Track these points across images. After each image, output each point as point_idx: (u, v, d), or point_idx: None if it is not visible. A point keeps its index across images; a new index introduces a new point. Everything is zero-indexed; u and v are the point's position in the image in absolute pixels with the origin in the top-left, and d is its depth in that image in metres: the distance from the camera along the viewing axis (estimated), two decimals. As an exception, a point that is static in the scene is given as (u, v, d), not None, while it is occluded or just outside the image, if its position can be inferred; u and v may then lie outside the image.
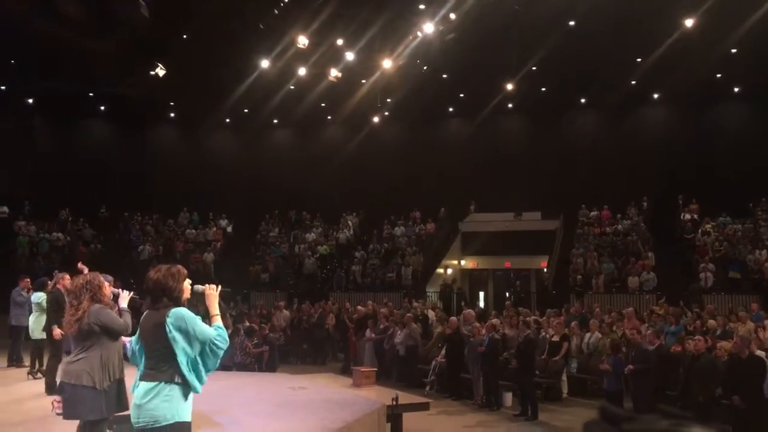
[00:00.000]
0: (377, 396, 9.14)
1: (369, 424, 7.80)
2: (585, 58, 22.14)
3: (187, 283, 4.23)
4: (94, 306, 5.25)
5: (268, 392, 9.33)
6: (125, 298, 5.71)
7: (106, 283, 5.58)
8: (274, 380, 11.13)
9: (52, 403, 7.88)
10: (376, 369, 11.73)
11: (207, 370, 4.08)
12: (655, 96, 26.72)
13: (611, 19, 19.72)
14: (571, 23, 20.39)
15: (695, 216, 23.68)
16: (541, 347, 13.50)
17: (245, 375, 12.07)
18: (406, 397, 9.25)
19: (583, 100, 27.66)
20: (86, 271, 7.85)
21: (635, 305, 18.36)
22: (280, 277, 25.22)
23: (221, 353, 4.10)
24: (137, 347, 4.19)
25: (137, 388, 4.04)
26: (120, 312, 5.51)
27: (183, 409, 3.99)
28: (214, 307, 4.22)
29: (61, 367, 5.47)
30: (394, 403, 8.52)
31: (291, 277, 25.29)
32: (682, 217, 23.92)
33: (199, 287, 4.28)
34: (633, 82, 24.46)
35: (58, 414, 7.61)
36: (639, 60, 22.68)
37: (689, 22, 18.53)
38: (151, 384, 3.97)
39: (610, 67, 23.03)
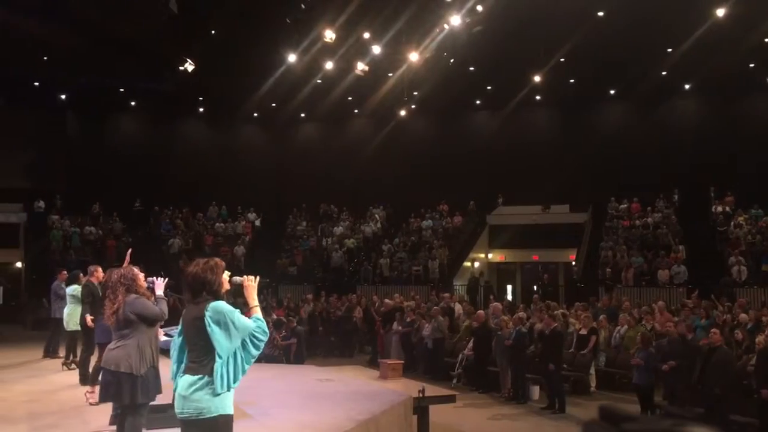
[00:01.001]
0: (404, 388, 9.19)
1: (395, 416, 7.85)
2: (614, 48, 21.86)
3: (226, 275, 4.25)
4: (129, 297, 5.48)
5: (296, 384, 9.43)
6: (161, 286, 5.91)
7: (141, 275, 5.75)
8: (301, 372, 11.24)
9: (85, 393, 8.09)
10: (402, 362, 11.76)
11: (248, 363, 4.10)
12: (686, 87, 26.30)
13: (641, 9, 19.45)
14: (600, 13, 20.15)
15: (728, 208, 23.32)
16: (568, 341, 13.44)
17: (273, 367, 12.19)
18: (432, 390, 9.27)
19: (612, 92, 27.33)
20: (127, 263, 8.07)
21: (665, 299, 18.18)
22: (308, 270, 25.40)
23: (262, 345, 4.12)
24: (179, 340, 4.24)
25: (180, 380, 4.11)
26: (156, 300, 5.70)
27: (226, 403, 4.04)
28: (253, 299, 4.23)
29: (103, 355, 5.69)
30: (421, 395, 8.55)
31: (318, 270, 25.45)
32: (713, 210, 23.57)
33: (237, 279, 4.30)
34: (663, 73, 24.09)
35: (90, 404, 7.83)
36: (669, 50, 22.33)
37: (721, 12, 18.19)
38: (195, 377, 4.03)
39: (640, 57, 22.73)
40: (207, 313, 4.01)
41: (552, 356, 11.50)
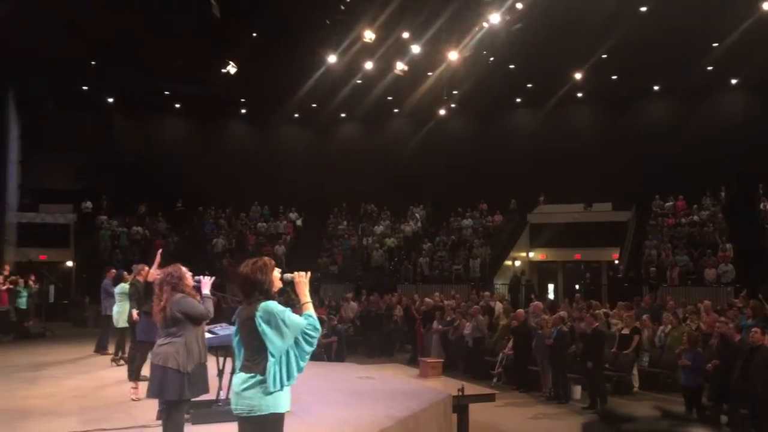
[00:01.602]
0: (443, 387, 9.22)
1: (435, 414, 7.90)
2: (657, 44, 21.47)
3: (277, 272, 4.29)
4: (176, 296, 5.58)
5: (336, 382, 9.54)
6: (207, 285, 6.04)
7: (188, 273, 5.89)
8: (342, 370, 11.35)
9: (130, 389, 8.34)
10: (442, 360, 11.80)
11: (303, 360, 4.13)
12: (733, 82, 25.69)
13: (684, 3, 19.07)
14: (643, 9, 19.82)
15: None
16: (610, 340, 13.30)
17: (314, 365, 12.25)
18: (472, 389, 9.29)
19: (656, 88, 26.84)
20: (158, 262, 8.32)
21: (712, 298, 17.80)
22: (349, 270, 25.56)
23: (314, 341, 4.14)
24: (236, 339, 4.31)
25: (236, 377, 4.21)
26: (202, 299, 5.83)
27: (278, 401, 4.07)
28: (305, 295, 4.26)
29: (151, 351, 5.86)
30: (460, 393, 8.58)
31: (359, 270, 25.60)
32: (761, 207, 22.99)
33: (288, 276, 4.33)
34: (709, 68, 23.57)
35: (133, 399, 8.07)
36: (715, 45, 21.85)
37: (766, 5, 17.73)
38: (248, 375, 4.09)
39: (684, 52, 22.26)
40: (257, 314, 4.05)
41: (593, 356, 11.39)
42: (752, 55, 21.43)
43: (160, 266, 9.01)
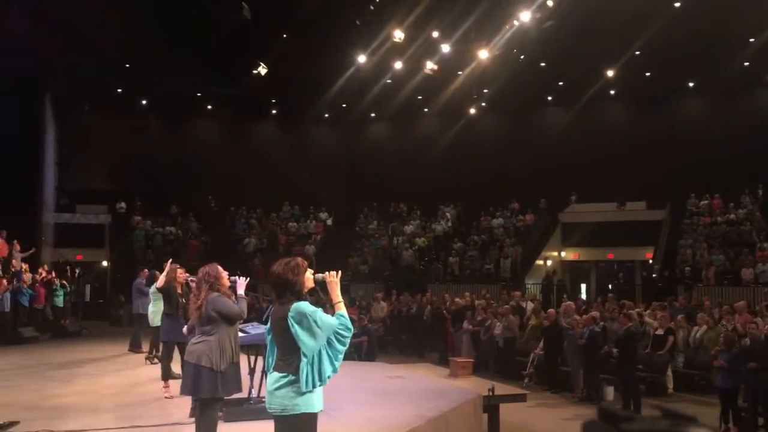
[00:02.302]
0: (474, 386, 9.19)
1: (465, 414, 7.87)
2: (692, 39, 21.08)
3: (309, 273, 4.32)
4: (212, 294, 5.66)
5: (366, 381, 9.56)
6: (242, 285, 6.12)
7: (225, 273, 5.97)
8: (372, 369, 11.38)
9: (162, 387, 8.46)
10: (473, 360, 11.76)
11: (336, 359, 4.14)
12: (771, 77, 25.15)
13: (720, -2, 18.75)
14: (677, 4, 19.51)
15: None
16: (644, 341, 13.12)
17: (345, 364, 12.25)
18: (503, 389, 9.25)
19: (690, 84, 26.36)
20: (168, 264, 8.46)
21: (749, 298, 17.47)
22: (379, 269, 25.60)
23: (347, 341, 4.16)
24: (269, 338, 4.35)
25: (270, 376, 4.24)
26: (237, 299, 5.90)
27: (311, 401, 4.08)
28: (336, 295, 4.28)
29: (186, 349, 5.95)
30: (491, 393, 8.54)
31: (389, 269, 25.61)
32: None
33: (319, 276, 4.35)
34: (746, 64, 23.11)
35: (165, 397, 8.19)
36: (752, 40, 21.42)
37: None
38: (280, 374, 4.13)
39: (720, 48, 21.84)
40: (290, 314, 4.08)
41: (626, 356, 11.26)
42: (790, 50, 20.97)
43: (194, 266, 9.16)
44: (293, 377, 4.06)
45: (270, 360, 4.32)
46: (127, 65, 24.34)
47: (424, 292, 20.58)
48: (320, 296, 4.36)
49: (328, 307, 4.25)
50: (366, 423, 6.88)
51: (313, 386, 4.06)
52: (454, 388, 8.90)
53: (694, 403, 11.82)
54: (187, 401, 6.81)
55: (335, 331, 4.09)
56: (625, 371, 11.27)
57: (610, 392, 12.01)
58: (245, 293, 6.18)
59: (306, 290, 4.28)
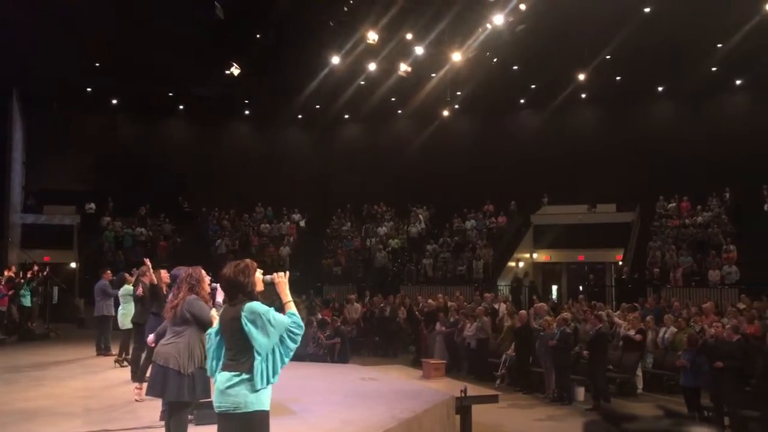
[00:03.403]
0: (446, 388, 9.23)
1: (438, 415, 7.90)
2: (662, 44, 21.44)
3: (259, 274, 4.39)
4: (190, 296, 5.68)
5: (339, 382, 9.55)
6: (221, 293, 6.05)
7: (207, 278, 5.94)
8: (345, 371, 11.36)
9: (135, 390, 8.36)
10: (445, 361, 11.81)
11: (287, 356, 4.24)
12: (737, 82, 25.65)
13: (688, 4, 19.05)
14: (647, 9, 19.80)
15: (781, 206, 22.67)
16: (614, 341, 13.29)
17: (318, 366, 12.36)
18: (475, 390, 9.31)
19: (660, 88, 26.79)
20: (147, 264, 8.38)
21: (716, 300, 17.79)
22: (352, 271, 25.58)
23: (298, 338, 4.25)
24: (217, 339, 4.39)
25: (219, 375, 4.26)
26: (215, 305, 5.87)
27: (263, 399, 4.17)
28: (286, 294, 4.37)
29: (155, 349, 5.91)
30: (463, 395, 8.59)
31: (362, 271, 25.61)
32: (766, 208, 22.93)
33: (267, 277, 4.43)
34: (713, 69, 23.54)
35: (137, 400, 8.09)
36: (719, 45, 21.82)
37: (770, 6, 17.73)
38: (233, 373, 4.18)
39: (688, 53, 22.23)
40: (243, 314, 4.15)
41: (597, 357, 11.39)
42: (756, 56, 21.39)
43: (163, 267, 9.09)
44: (247, 375, 4.13)
45: (214, 363, 4.35)
46: (97, 64, 24.00)
47: (398, 294, 20.61)
48: (273, 301, 4.38)
49: (278, 309, 4.28)
50: (339, 425, 6.87)
51: (267, 383, 4.16)
52: (427, 390, 8.93)
53: (662, 403, 11.98)
54: (157, 405, 6.74)
55: (288, 329, 4.19)
56: (595, 372, 11.40)
57: (580, 393, 12.15)
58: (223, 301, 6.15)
59: (257, 291, 4.35)
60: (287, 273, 4.47)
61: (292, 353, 4.27)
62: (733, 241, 21.57)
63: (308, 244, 27.89)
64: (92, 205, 27.40)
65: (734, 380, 9.66)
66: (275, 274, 4.43)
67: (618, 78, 25.34)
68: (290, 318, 4.23)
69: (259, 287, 4.37)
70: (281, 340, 4.19)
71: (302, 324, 4.31)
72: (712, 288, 19.93)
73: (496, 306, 17.36)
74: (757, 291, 17.93)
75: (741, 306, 15.28)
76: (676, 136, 25.80)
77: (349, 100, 26.85)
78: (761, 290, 17.98)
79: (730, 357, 9.85)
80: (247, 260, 4.49)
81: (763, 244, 21.78)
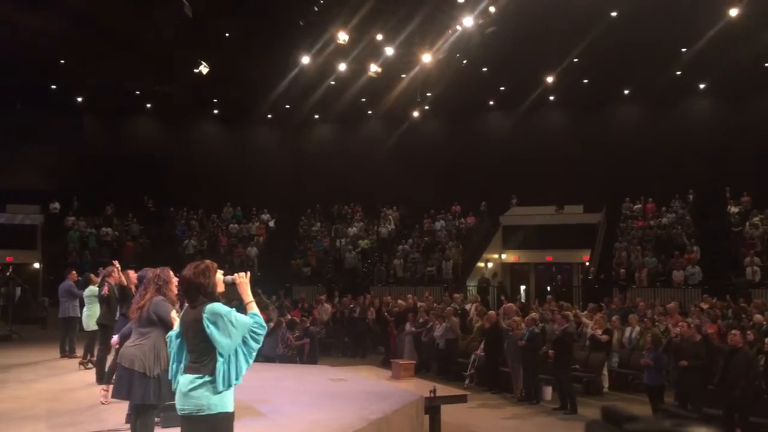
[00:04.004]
0: (416, 388, 9.25)
1: (407, 416, 7.92)
2: (628, 48, 21.79)
3: (220, 275, 4.35)
4: (157, 297, 5.61)
5: (309, 383, 9.51)
6: None
7: (175, 280, 5.87)
8: (314, 372, 11.32)
9: (101, 391, 8.23)
10: (414, 362, 11.83)
11: (250, 357, 4.20)
12: (701, 86, 26.16)
13: (654, 9, 19.39)
14: (613, 13, 20.10)
15: (743, 208, 23.16)
16: (580, 341, 13.45)
17: (287, 367, 12.30)
18: (444, 390, 9.34)
19: (626, 92, 27.23)
20: (116, 265, 8.24)
21: (680, 299, 18.11)
22: (322, 271, 25.50)
23: (261, 338, 4.23)
24: (178, 341, 4.36)
25: (181, 378, 4.22)
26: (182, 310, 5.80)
27: (226, 400, 4.14)
28: (247, 295, 4.34)
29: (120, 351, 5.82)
30: (432, 395, 8.62)
31: (332, 271, 25.55)
32: (728, 210, 23.42)
33: (228, 278, 4.40)
34: (678, 73, 23.98)
35: (102, 402, 7.97)
36: (684, 50, 22.24)
37: (734, 12, 18.10)
38: (195, 375, 4.14)
39: (654, 57, 22.63)
40: (204, 316, 4.11)
41: (562, 356, 11.52)
42: (720, 61, 21.85)
43: (130, 267, 8.96)
44: (209, 378, 4.10)
45: (175, 366, 4.32)
46: (62, 61, 23.59)
47: (367, 294, 20.60)
48: (230, 302, 4.35)
49: (241, 309, 4.25)
50: (308, 425, 6.85)
51: (230, 385, 4.13)
52: (396, 390, 8.94)
53: (628, 402, 12.16)
54: (122, 407, 6.65)
55: (250, 329, 4.16)
56: (560, 371, 11.53)
57: (548, 392, 12.27)
58: None
59: (219, 292, 4.32)
60: (248, 273, 4.44)
61: (255, 354, 4.24)
62: (697, 242, 21.99)
63: (277, 245, 27.75)
64: (57, 205, 26.92)
65: (698, 379, 9.83)
66: (236, 274, 4.39)
67: (585, 81, 25.71)
68: (252, 318, 4.20)
69: (220, 288, 4.34)
70: (244, 341, 4.16)
71: (264, 324, 4.28)
72: (676, 288, 20.28)
73: (467, 307, 17.44)
74: (719, 291, 18.34)
75: (704, 305, 15.56)
76: (642, 139, 26.24)
77: (319, 100, 26.80)
78: (723, 290, 18.39)
79: (694, 356, 10.03)
80: (207, 261, 4.44)
81: (724, 245, 22.29)
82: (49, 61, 23.22)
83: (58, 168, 27.13)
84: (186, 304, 5.77)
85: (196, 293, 4.25)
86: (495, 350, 13.07)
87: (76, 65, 23.47)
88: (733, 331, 9.76)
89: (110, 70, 23.52)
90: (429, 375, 13.47)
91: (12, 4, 18.21)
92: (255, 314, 4.25)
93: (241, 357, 4.16)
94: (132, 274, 8.63)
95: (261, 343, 4.26)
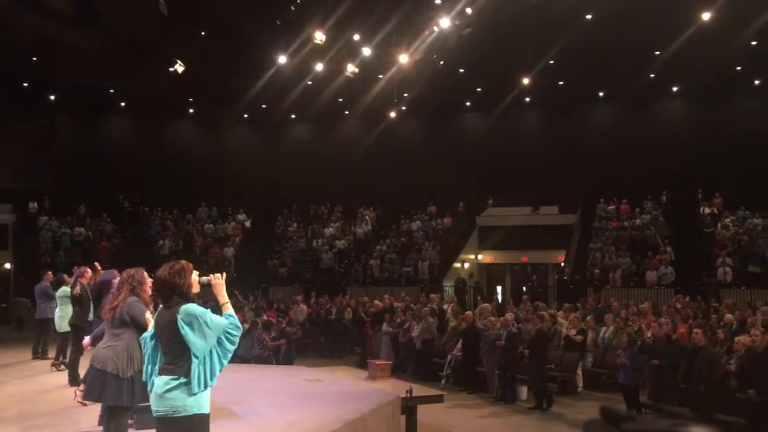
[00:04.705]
0: (392, 388, 9.26)
1: (383, 416, 7.92)
2: (602, 51, 22.02)
3: (195, 276, 4.33)
4: (130, 298, 5.54)
5: (285, 384, 9.47)
6: None
7: (150, 281, 5.80)
8: (291, 373, 11.28)
9: (75, 392, 8.11)
10: (391, 362, 11.83)
11: (225, 358, 4.18)
12: (675, 89, 26.52)
13: (629, 12, 19.61)
14: (588, 16, 20.29)
15: (715, 209, 23.51)
16: (555, 341, 13.56)
17: (263, 367, 12.24)
18: (421, 390, 9.36)
19: (601, 94, 27.51)
20: (99, 268, 8.12)
21: (653, 299, 18.34)
22: (298, 272, 25.41)
23: (236, 339, 4.20)
24: (152, 343, 4.32)
25: (156, 380, 4.18)
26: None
27: (202, 402, 4.11)
28: (223, 296, 4.32)
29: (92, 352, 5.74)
30: (409, 395, 8.63)
31: (309, 272, 25.47)
32: (701, 211, 23.77)
33: (204, 279, 4.37)
34: (651, 75, 24.29)
35: (80, 402, 7.85)
36: (657, 53, 22.52)
37: (706, 16, 18.38)
38: (170, 377, 4.11)
39: (628, 60, 22.88)
40: (179, 317, 4.08)
41: (538, 356, 11.60)
42: (692, 64, 22.17)
43: (104, 268, 8.84)
44: (185, 379, 4.07)
45: (150, 368, 4.29)
46: (34, 58, 23.24)
47: (344, 295, 20.57)
48: (206, 303, 4.33)
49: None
50: (285, 426, 6.82)
51: (205, 386, 4.10)
52: (372, 391, 8.94)
53: (602, 401, 12.30)
54: (96, 409, 6.57)
55: (225, 330, 4.14)
56: (535, 370, 11.60)
57: (523, 392, 12.34)
58: None
59: (194, 293, 4.29)
60: (224, 274, 4.43)
61: (230, 355, 4.21)
62: (669, 243, 22.29)
63: (254, 245, 27.59)
64: (35, 204, 26.53)
65: (670, 378, 9.96)
66: (212, 275, 4.37)
67: (561, 83, 25.93)
68: (228, 319, 4.18)
69: (196, 289, 4.31)
70: (219, 342, 4.13)
71: (240, 325, 4.25)
72: (649, 288, 20.54)
73: (445, 307, 17.49)
74: (691, 291, 18.61)
75: (678, 305, 15.77)
76: (617, 141, 26.54)
77: (296, 100, 26.69)
78: (695, 290, 18.68)
79: (666, 356, 10.16)
80: (183, 261, 4.40)
81: (697, 246, 22.61)
82: (21, 59, 22.85)
83: (30, 167, 26.72)
84: (160, 305, 5.73)
85: (170, 293, 4.21)
86: (471, 350, 13.12)
87: (49, 63, 23.12)
88: (695, 330, 9.92)
89: (84, 69, 23.20)
90: (406, 375, 13.49)
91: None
92: (230, 315, 4.22)
93: (216, 358, 4.14)
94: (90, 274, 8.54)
95: (236, 345, 4.23)
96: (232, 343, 4.18)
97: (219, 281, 4.34)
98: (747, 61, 22.94)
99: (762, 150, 23.63)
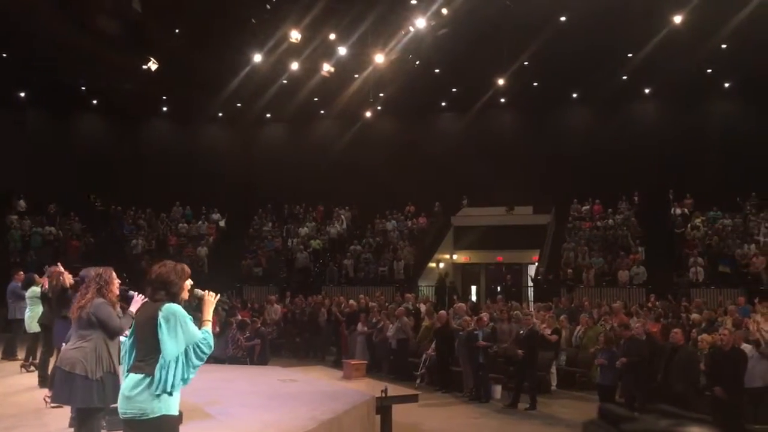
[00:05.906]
0: (367, 388, 9.25)
1: (358, 416, 7.91)
2: (576, 53, 22.22)
3: (189, 283, 4.31)
4: (98, 299, 5.46)
5: (259, 384, 9.42)
6: (137, 303, 5.58)
7: (117, 281, 5.71)
8: (265, 373, 11.21)
9: (44, 398, 7.98)
10: (366, 362, 11.82)
11: (188, 373, 4.10)
12: (647, 91, 26.86)
13: (602, 15, 19.81)
14: (562, 18, 20.47)
15: (686, 210, 23.85)
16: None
17: (237, 368, 12.16)
18: (396, 390, 9.36)
19: (574, 95, 27.78)
20: (61, 269, 8.00)
21: (624, 299, 18.55)
22: (273, 271, 25.29)
23: (205, 357, 4.16)
24: (129, 341, 4.28)
25: (126, 379, 4.14)
26: (125, 313, 5.64)
27: (170, 403, 4.07)
28: (208, 313, 4.31)
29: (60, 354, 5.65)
30: (383, 395, 8.63)
31: (283, 271, 25.36)
32: (672, 212, 24.10)
33: (199, 291, 4.36)
34: (624, 77, 24.58)
35: (51, 406, 7.73)
36: (630, 55, 22.79)
37: (678, 19, 18.64)
38: (140, 376, 4.06)
39: (602, 62, 23.12)
40: (160, 313, 4.07)
41: (530, 356, 11.66)
42: (665, 66, 22.48)
43: (75, 267, 8.70)
44: (151, 378, 4.04)
45: (125, 366, 4.26)
46: (4, 54, 22.84)
47: (319, 295, 20.52)
48: (195, 314, 4.30)
49: (196, 322, 4.18)
50: (259, 427, 6.78)
51: (162, 391, 4.03)
52: (347, 390, 8.92)
53: (575, 399, 12.42)
54: (66, 411, 6.47)
55: (197, 343, 4.10)
56: (527, 370, 11.66)
57: (497, 391, 12.42)
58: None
59: (182, 297, 4.28)
60: (218, 296, 4.44)
61: (194, 372, 4.15)
62: (641, 243, 22.56)
63: (228, 245, 27.40)
64: (22, 203, 26.12)
65: (643, 377, 10.07)
66: (206, 291, 4.37)
67: (535, 84, 26.13)
68: (203, 334, 4.16)
69: (185, 295, 4.30)
70: (187, 353, 4.07)
71: (212, 345, 4.22)
72: (621, 288, 20.78)
73: (420, 307, 17.51)
74: (662, 290, 18.86)
75: (650, 305, 15.97)
76: (590, 142, 26.81)
77: (271, 99, 26.57)
78: (666, 290, 18.93)
79: (635, 354, 10.26)
80: (184, 264, 4.42)
81: (668, 246, 22.93)
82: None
83: (1, 165, 26.25)
84: (131, 307, 5.66)
85: (161, 288, 4.19)
86: (446, 350, 13.16)
87: (19, 59, 22.73)
88: (675, 330, 10.02)
89: (55, 65, 22.86)
90: (381, 375, 13.48)
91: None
92: (207, 332, 4.20)
93: (180, 368, 4.07)
94: (68, 276, 8.39)
95: (203, 362, 4.18)
96: (200, 359, 4.12)
97: (210, 299, 4.35)
98: (718, 63, 23.31)
99: (732, 152, 24.08)
